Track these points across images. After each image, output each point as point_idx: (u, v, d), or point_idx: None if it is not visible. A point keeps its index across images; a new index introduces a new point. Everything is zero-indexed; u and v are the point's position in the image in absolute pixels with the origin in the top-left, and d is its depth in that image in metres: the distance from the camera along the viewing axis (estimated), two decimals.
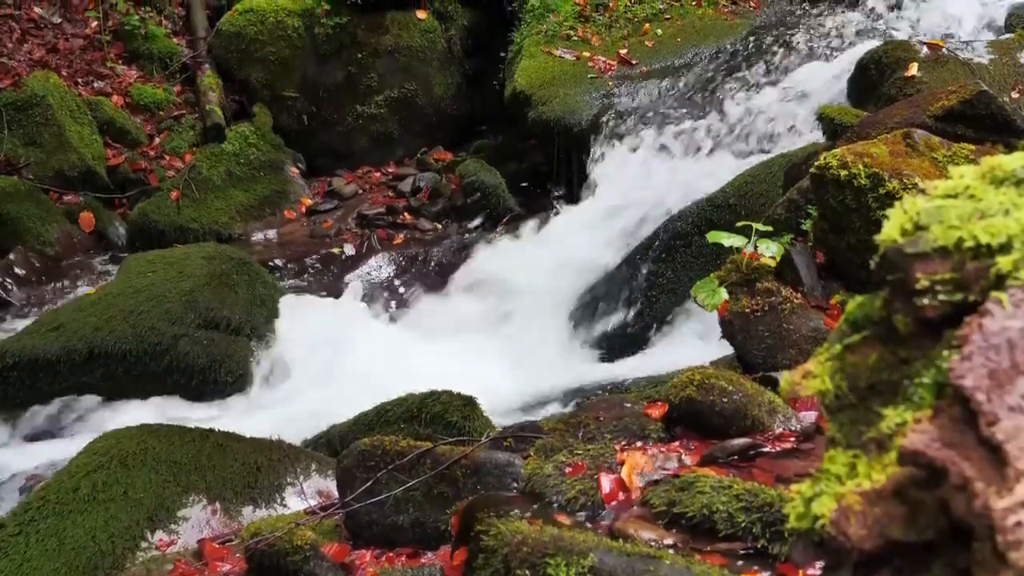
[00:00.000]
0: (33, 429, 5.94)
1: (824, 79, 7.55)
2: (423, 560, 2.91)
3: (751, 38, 8.82)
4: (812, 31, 8.57)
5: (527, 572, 2.15)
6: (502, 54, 9.69)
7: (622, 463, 2.64)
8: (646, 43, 9.09)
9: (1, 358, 6.01)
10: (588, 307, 6.69)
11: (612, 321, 6.50)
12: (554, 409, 5.39)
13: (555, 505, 2.60)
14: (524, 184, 8.82)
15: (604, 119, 8.00)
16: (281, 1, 9.85)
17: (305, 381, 6.33)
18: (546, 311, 6.87)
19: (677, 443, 2.77)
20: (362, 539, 3.09)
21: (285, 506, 4.14)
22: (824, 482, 0.84)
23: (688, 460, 2.63)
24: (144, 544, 3.90)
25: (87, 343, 6.02)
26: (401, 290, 7.90)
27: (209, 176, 8.94)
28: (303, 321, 6.78)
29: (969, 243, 0.80)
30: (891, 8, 8.63)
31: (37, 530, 3.89)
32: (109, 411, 5.98)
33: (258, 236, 8.89)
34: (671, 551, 2.24)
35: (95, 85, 9.41)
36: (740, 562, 2.21)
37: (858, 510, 0.79)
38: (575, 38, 9.16)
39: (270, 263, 8.04)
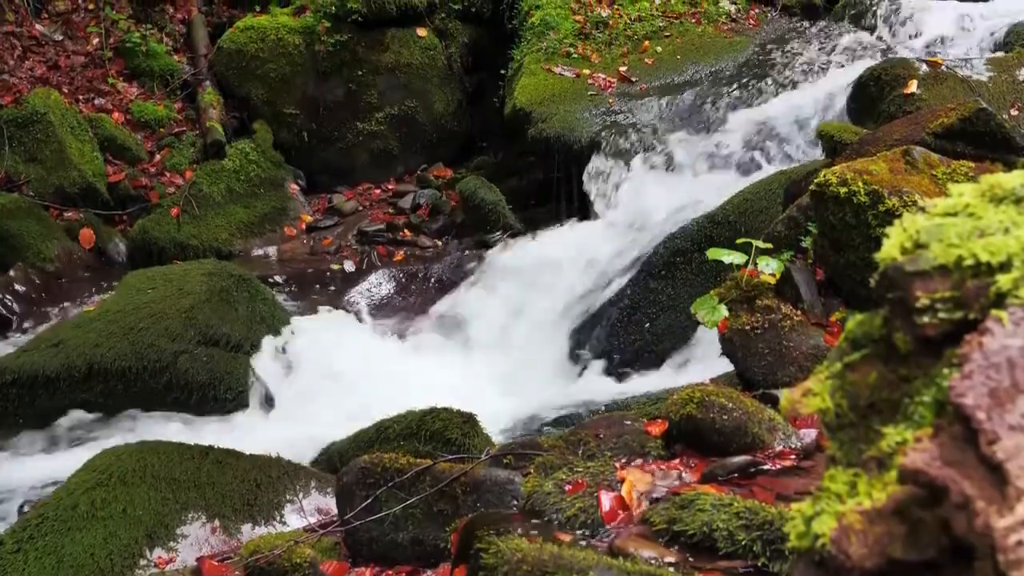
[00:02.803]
0: (32, 446, 5.93)
1: (823, 96, 7.57)
2: None
3: (750, 55, 8.85)
4: (811, 48, 8.60)
5: None
6: (502, 71, 9.72)
7: (622, 481, 2.63)
8: (646, 60, 9.12)
9: (1, 375, 6.01)
10: (587, 324, 6.69)
11: (611, 338, 6.50)
12: (553, 426, 5.38)
13: (555, 523, 2.59)
14: (524, 201, 8.82)
15: (604, 136, 8.01)
16: (282, 19, 9.89)
17: (304, 397, 6.32)
18: (546, 328, 6.87)
19: (677, 460, 2.77)
20: (361, 557, 3.08)
21: (284, 523, 4.13)
22: (824, 500, 0.84)
23: (688, 478, 2.63)
24: (143, 561, 3.89)
25: (87, 360, 6.01)
26: (401, 307, 7.91)
27: (209, 193, 8.96)
28: (303, 338, 6.77)
29: (969, 261, 0.80)
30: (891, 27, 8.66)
31: (36, 547, 3.88)
32: (108, 428, 5.97)
33: (258, 253, 8.90)
34: (671, 569, 2.23)
35: (96, 102, 9.43)
36: None
37: (859, 529, 0.79)
38: (575, 55, 9.18)
39: (270, 280, 8.04)
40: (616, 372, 6.31)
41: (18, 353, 6.27)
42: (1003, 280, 0.79)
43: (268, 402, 6.33)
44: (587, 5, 9.73)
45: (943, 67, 6.71)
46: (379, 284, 8.17)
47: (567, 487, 2.70)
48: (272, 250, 8.95)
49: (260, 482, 4.26)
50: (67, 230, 8.39)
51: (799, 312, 3.56)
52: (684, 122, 8.13)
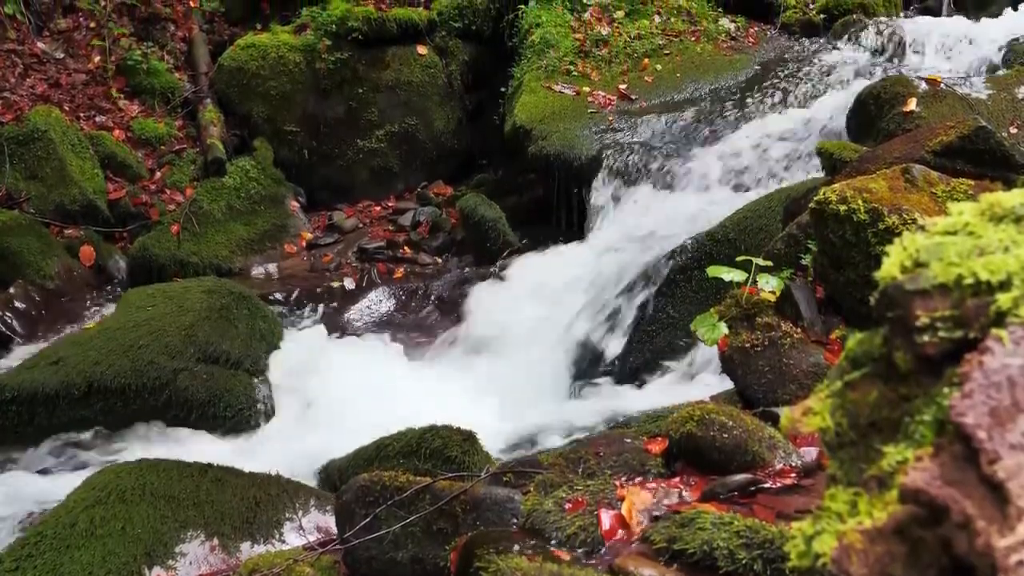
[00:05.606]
0: (31, 463, 5.92)
1: (822, 114, 7.59)
2: None
3: (750, 73, 8.87)
4: (810, 67, 8.62)
5: None
6: (502, 89, 9.75)
7: (622, 499, 2.62)
8: (646, 78, 9.14)
9: (0, 392, 6.00)
10: (587, 341, 6.68)
11: (612, 355, 6.49)
12: (554, 444, 5.37)
13: (555, 541, 2.58)
14: (524, 218, 8.83)
15: (604, 154, 8.02)
16: (282, 37, 9.92)
17: (304, 415, 6.31)
18: (546, 345, 6.86)
19: (677, 479, 2.76)
20: (360, 575, 3.07)
21: (284, 541, 4.12)
22: (825, 520, 0.83)
23: (688, 496, 2.62)
24: None
25: (86, 377, 6.00)
26: (401, 324, 7.90)
27: (210, 210, 8.96)
28: (302, 355, 6.77)
29: (969, 280, 0.80)
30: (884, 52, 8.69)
31: (34, 566, 3.86)
32: (108, 446, 5.96)
33: (258, 270, 8.89)
34: None
35: (97, 119, 9.45)
36: None
37: (859, 548, 0.78)
38: (575, 73, 9.21)
39: (270, 297, 8.04)
40: (615, 390, 6.30)
41: (18, 370, 6.26)
42: (1003, 299, 0.79)
43: (268, 419, 6.31)
44: (587, 23, 9.77)
45: (942, 85, 6.73)
46: (379, 301, 8.17)
47: (567, 505, 2.70)
48: (272, 267, 8.95)
49: (259, 500, 4.25)
50: (67, 247, 8.39)
51: (799, 330, 3.56)
52: (683, 139, 8.14)
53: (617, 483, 2.78)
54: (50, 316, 7.77)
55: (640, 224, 7.39)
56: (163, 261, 8.54)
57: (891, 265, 0.85)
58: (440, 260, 8.86)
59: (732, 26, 9.87)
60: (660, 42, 9.57)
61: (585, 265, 7.32)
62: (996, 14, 9.37)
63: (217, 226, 8.94)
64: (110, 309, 7.47)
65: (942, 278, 0.81)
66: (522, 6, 10.01)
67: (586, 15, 9.88)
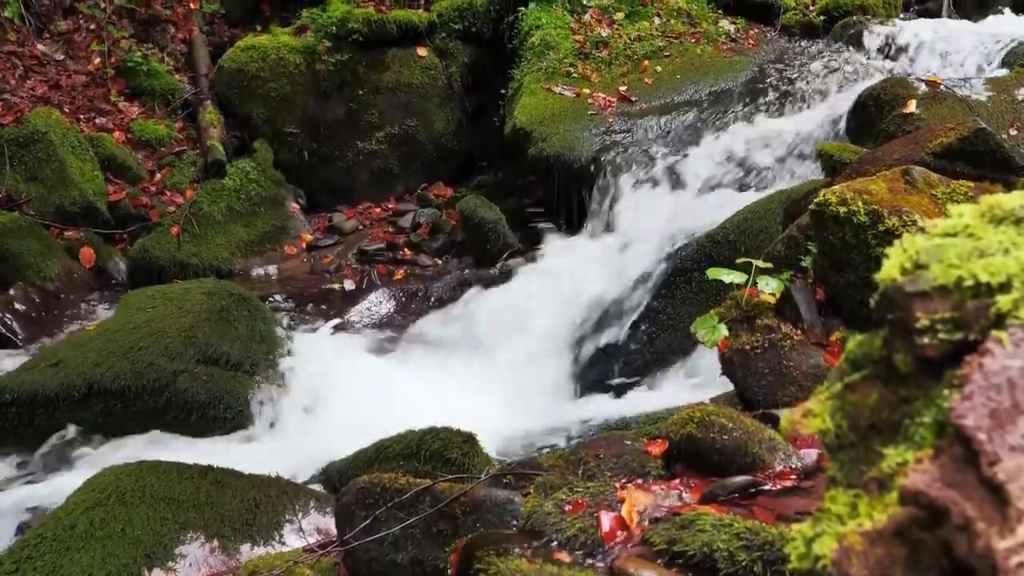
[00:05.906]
0: (31, 465, 5.92)
1: (822, 116, 7.59)
2: None
3: (750, 75, 8.87)
4: (810, 69, 8.62)
5: None
6: (502, 91, 9.75)
7: (622, 501, 2.62)
8: (646, 80, 9.14)
9: (0, 394, 6.00)
10: (588, 343, 6.69)
11: (612, 357, 6.49)
12: (554, 446, 5.37)
13: (555, 543, 2.58)
14: (524, 220, 8.83)
15: (604, 155, 8.02)
16: (283, 38, 9.92)
17: (304, 417, 6.31)
18: (546, 347, 6.86)
19: (677, 480, 2.76)
20: None
21: (284, 543, 4.12)
22: (825, 522, 0.83)
23: (688, 498, 2.62)
24: None
25: (86, 379, 6.00)
26: (400, 326, 7.90)
27: (210, 211, 8.96)
28: (302, 357, 6.77)
29: (969, 282, 0.80)
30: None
31: (34, 568, 3.86)
32: (108, 447, 5.95)
33: (258, 271, 8.89)
34: None
35: (97, 121, 9.45)
36: None
37: (860, 550, 0.78)
38: (575, 75, 9.21)
39: (270, 298, 8.04)
40: (616, 391, 6.30)
41: (17, 372, 6.26)
42: (1003, 301, 0.79)
43: (267, 421, 6.31)
44: (587, 25, 9.77)
45: (942, 87, 6.73)
46: (379, 303, 8.16)
47: (567, 507, 2.70)
48: (272, 269, 8.95)
49: (259, 502, 4.25)
50: (67, 249, 8.39)
51: (799, 332, 3.56)
52: (683, 141, 8.14)
53: (617, 485, 2.78)
54: (50, 318, 7.76)
55: (640, 225, 7.39)
56: (163, 263, 8.54)
57: (891, 267, 0.85)
58: (440, 262, 8.86)
59: (732, 28, 9.87)
60: (660, 44, 9.57)
61: (585, 266, 7.32)
62: (997, 16, 9.38)
63: (217, 228, 8.94)
64: (110, 311, 7.47)
65: (942, 280, 0.81)
66: (522, 8, 10.01)
67: (586, 17, 9.88)
